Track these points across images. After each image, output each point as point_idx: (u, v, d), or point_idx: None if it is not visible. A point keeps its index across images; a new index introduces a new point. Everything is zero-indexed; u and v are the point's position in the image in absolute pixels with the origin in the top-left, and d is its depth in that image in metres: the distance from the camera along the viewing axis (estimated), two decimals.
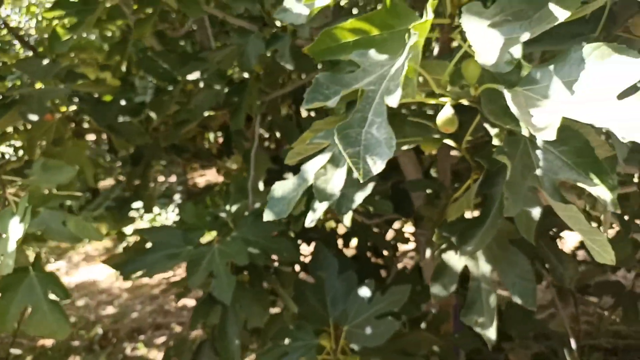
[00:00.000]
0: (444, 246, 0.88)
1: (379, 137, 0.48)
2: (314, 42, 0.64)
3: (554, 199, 0.58)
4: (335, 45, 0.65)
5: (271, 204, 0.68)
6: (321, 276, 1.32)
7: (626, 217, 1.35)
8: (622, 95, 0.50)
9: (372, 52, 0.58)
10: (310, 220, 1.00)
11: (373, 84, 0.53)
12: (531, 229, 0.69)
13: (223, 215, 1.34)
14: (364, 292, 1.22)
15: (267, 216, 0.67)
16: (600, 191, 0.57)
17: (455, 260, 0.89)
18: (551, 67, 0.58)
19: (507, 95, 0.54)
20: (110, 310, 4.13)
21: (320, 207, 0.99)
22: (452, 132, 0.64)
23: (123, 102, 1.62)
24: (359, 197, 0.86)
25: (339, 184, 0.62)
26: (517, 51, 0.74)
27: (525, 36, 0.58)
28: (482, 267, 0.87)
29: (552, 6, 0.57)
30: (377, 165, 0.47)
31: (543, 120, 0.50)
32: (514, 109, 0.52)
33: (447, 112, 0.63)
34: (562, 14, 0.56)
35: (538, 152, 0.63)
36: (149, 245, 1.17)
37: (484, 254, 0.87)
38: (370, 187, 0.86)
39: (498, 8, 0.63)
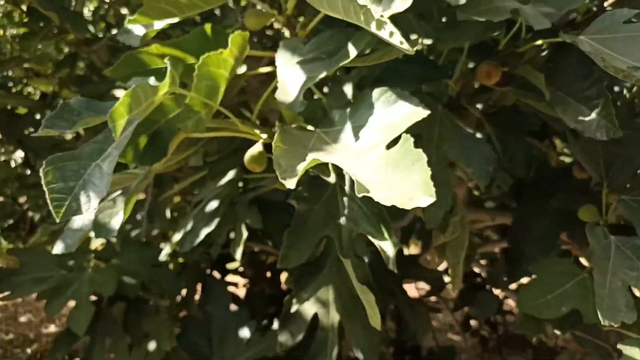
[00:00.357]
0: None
1: (105, 171, 0.43)
2: (116, 65, 0.60)
3: (343, 254, 0.54)
4: (142, 70, 0.61)
5: (65, 235, 0.62)
6: (209, 312, 1.26)
7: None
8: (390, 145, 0.46)
9: (152, 80, 0.54)
10: (164, 255, 0.95)
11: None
12: (366, 277, 0.64)
13: (114, 240, 1.27)
14: (245, 332, 1.16)
15: (57, 249, 0.61)
16: (386, 246, 0.53)
17: (306, 306, 0.83)
18: (348, 109, 0.54)
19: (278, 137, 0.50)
20: (52, 328, 3.97)
21: (174, 239, 0.93)
22: (260, 170, 0.60)
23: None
24: (204, 232, 0.81)
25: (121, 219, 0.56)
26: (349, 90, 0.71)
27: (322, 74, 0.54)
28: (333, 316, 0.82)
29: (349, 45, 0.54)
30: (90, 203, 0.42)
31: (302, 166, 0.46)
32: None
33: (253, 150, 0.59)
34: (353, 53, 0.53)
35: (345, 199, 0.59)
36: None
37: (335, 303, 0.82)
38: (215, 222, 0.81)
39: (315, 45, 0.60)
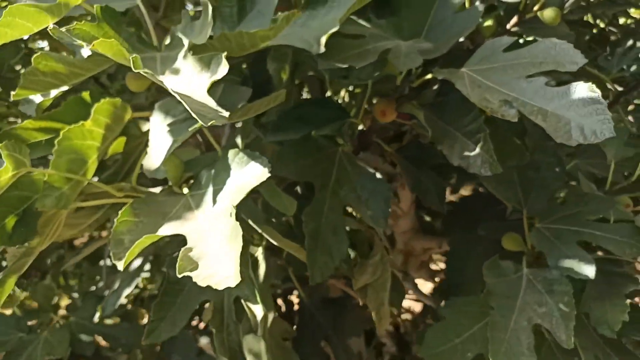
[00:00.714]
0: None
1: None
2: None
3: (216, 324, 0.52)
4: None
5: None
6: None
7: None
8: None
9: None
10: (96, 318, 0.93)
11: None
12: (234, 350, 0.62)
13: (76, 295, 1.27)
14: None
15: None
16: (257, 310, 0.51)
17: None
18: (213, 170, 0.53)
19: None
20: None
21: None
22: None
23: None
24: (125, 292, 0.80)
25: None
26: (239, 142, 0.70)
27: (185, 136, 0.53)
28: None
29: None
30: None
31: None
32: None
33: None
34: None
35: None
36: None
37: (266, 354, 0.80)
38: (136, 281, 0.79)
39: None
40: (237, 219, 0.40)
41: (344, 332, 0.82)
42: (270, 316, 0.66)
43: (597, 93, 0.50)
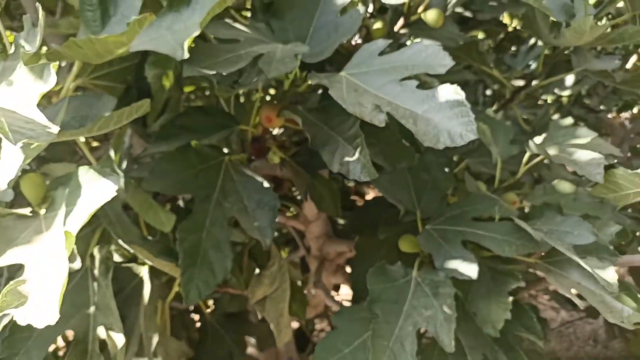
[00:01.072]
0: None
1: None
2: None
3: (72, 355, 0.48)
4: None
5: None
6: None
7: None
8: None
9: None
10: None
11: None
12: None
13: None
14: None
15: None
16: (118, 339, 0.47)
17: None
18: (67, 189, 0.49)
19: None
20: None
21: None
22: None
23: None
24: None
25: None
26: (112, 155, 0.65)
27: (30, 157, 0.49)
28: None
29: None
30: None
31: None
32: None
33: None
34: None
35: (96, 284, 0.53)
36: None
37: None
38: None
39: (69, 115, 0.55)
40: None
41: (247, 347, 0.79)
42: (155, 338, 0.62)
43: (461, 95, 0.50)
